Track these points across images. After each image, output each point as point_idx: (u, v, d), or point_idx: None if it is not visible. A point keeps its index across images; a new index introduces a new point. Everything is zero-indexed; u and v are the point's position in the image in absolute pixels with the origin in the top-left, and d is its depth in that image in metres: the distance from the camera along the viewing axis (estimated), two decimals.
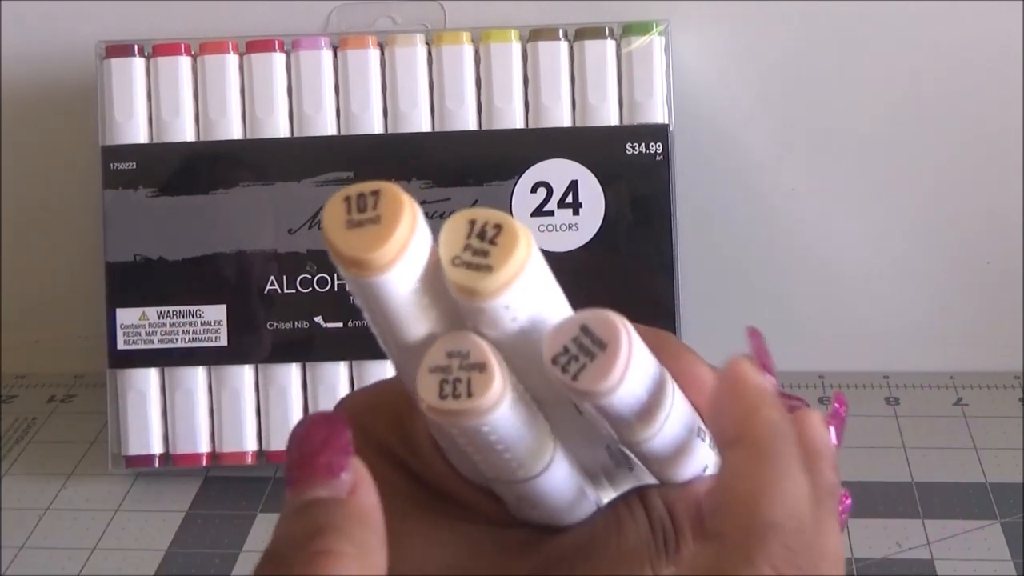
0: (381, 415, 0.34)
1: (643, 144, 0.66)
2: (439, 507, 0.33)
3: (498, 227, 0.28)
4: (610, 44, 0.66)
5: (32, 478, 0.68)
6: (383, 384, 0.35)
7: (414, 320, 0.29)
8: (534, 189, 0.66)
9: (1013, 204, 0.71)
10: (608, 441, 0.33)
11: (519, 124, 0.67)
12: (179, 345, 0.66)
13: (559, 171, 0.66)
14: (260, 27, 0.70)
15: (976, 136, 0.71)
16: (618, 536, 0.32)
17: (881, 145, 0.71)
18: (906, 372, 0.73)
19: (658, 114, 0.66)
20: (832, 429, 0.38)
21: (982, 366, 0.73)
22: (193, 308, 0.66)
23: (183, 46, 0.67)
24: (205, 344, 0.66)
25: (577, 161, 0.66)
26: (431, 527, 0.33)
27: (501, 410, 0.29)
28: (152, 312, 0.67)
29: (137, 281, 0.67)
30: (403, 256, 0.28)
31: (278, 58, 0.67)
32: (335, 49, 0.67)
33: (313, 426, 0.29)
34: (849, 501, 0.40)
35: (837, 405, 0.40)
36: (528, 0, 0.70)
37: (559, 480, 0.32)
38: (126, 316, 0.67)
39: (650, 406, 0.30)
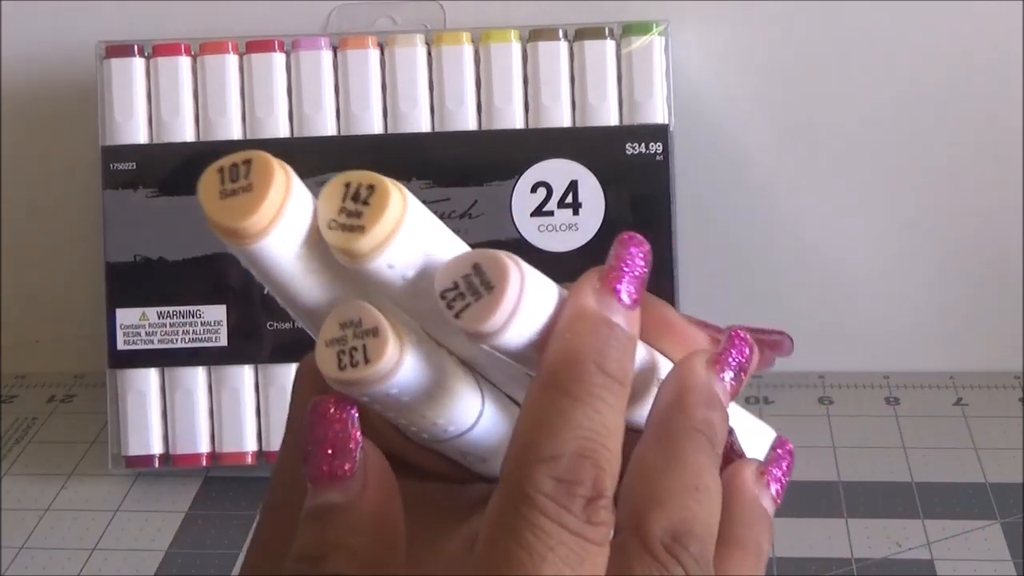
0: None
1: (643, 144, 0.66)
2: (396, 471, 0.33)
3: (371, 187, 0.28)
4: (610, 44, 0.66)
5: (32, 478, 0.68)
6: None
7: (306, 285, 0.29)
8: (534, 189, 0.66)
9: (1013, 204, 0.71)
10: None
11: (519, 124, 0.67)
12: (179, 345, 0.66)
13: (559, 171, 0.66)
14: (260, 27, 0.70)
15: (976, 136, 0.71)
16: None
17: (881, 145, 0.71)
18: (906, 372, 0.73)
19: (658, 114, 0.66)
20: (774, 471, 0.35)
21: (982, 366, 0.73)
22: (193, 308, 0.66)
23: (183, 46, 0.67)
24: (205, 344, 0.66)
25: (577, 161, 0.66)
26: None
27: (402, 372, 0.29)
28: (152, 312, 0.67)
29: (137, 281, 0.67)
30: (278, 222, 0.28)
31: (278, 58, 0.67)
32: (335, 49, 0.67)
33: (315, 422, 0.29)
34: (789, 452, 0.37)
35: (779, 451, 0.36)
36: (528, 0, 0.70)
37: (497, 431, 0.32)
38: (126, 316, 0.67)
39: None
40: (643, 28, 0.66)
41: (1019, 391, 0.71)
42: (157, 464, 0.67)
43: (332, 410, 0.29)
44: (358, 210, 0.28)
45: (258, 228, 0.28)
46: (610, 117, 0.66)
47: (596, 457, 0.28)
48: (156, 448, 0.67)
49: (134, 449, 0.67)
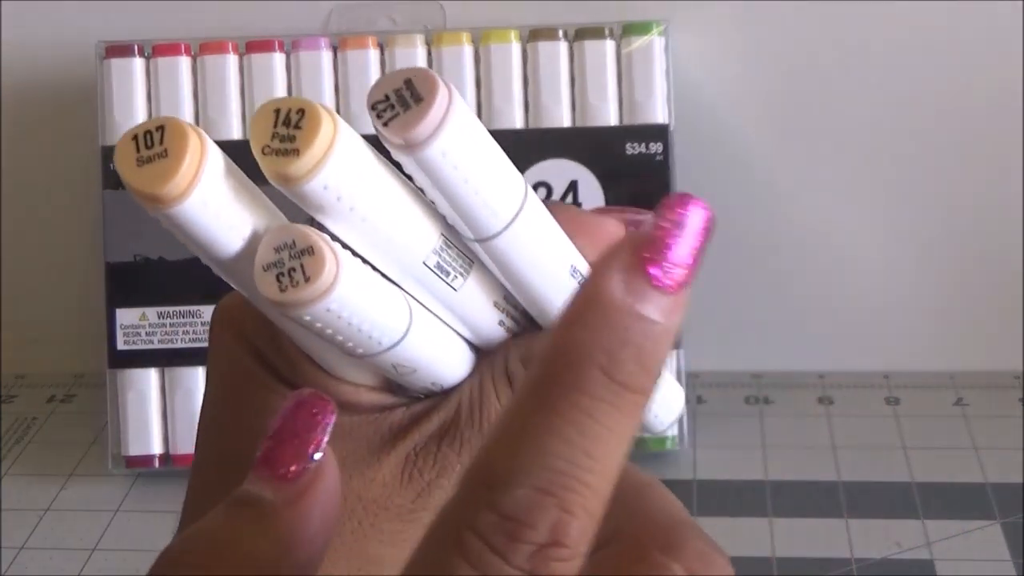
0: (255, 321, 0.35)
1: (643, 144, 0.66)
2: None
3: (301, 111, 0.29)
4: (610, 44, 0.66)
5: (32, 478, 0.68)
6: None
7: (225, 239, 0.30)
8: (534, 189, 0.66)
9: (1014, 204, 0.71)
10: (495, 299, 0.33)
11: (519, 124, 0.67)
12: (179, 345, 0.66)
13: (559, 171, 0.66)
14: (260, 27, 0.70)
15: (976, 136, 0.71)
16: (480, 413, 0.34)
17: (881, 145, 0.71)
18: (906, 372, 0.73)
19: (658, 114, 0.66)
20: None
21: (982, 366, 0.73)
22: (193, 308, 0.66)
23: (183, 46, 0.67)
24: (205, 344, 0.66)
25: (577, 161, 0.66)
26: None
27: (341, 287, 0.29)
28: (152, 312, 0.67)
29: (137, 281, 0.67)
30: (196, 185, 0.29)
31: (278, 58, 0.67)
32: (335, 49, 0.67)
33: (294, 416, 0.27)
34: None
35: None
36: (528, 0, 0.70)
37: (426, 339, 0.33)
38: (126, 316, 0.67)
39: (487, 188, 0.30)
40: (643, 28, 0.66)
41: (1019, 391, 0.71)
42: (157, 464, 0.67)
43: (315, 412, 0.28)
44: (291, 134, 0.28)
45: (176, 193, 0.28)
46: (610, 117, 0.66)
47: (564, 496, 0.21)
48: (156, 448, 0.67)
49: (134, 449, 0.67)
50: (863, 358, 0.74)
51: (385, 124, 0.29)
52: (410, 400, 0.35)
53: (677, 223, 0.22)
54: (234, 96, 0.67)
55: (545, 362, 0.22)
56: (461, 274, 0.32)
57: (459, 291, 0.32)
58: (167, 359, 0.67)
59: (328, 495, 0.26)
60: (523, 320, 0.35)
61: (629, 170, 0.66)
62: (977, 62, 0.69)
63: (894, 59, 0.70)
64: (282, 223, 0.30)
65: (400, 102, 0.29)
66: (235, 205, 0.30)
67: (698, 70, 0.70)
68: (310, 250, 0.29)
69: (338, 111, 0.67)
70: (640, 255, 0.22)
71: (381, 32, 0.69)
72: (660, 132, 0.66)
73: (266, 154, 0.29)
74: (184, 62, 0.67)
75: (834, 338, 0.74)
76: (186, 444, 0.67)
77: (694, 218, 0.23)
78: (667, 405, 0.39)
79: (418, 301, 0.32)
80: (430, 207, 0.31)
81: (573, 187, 0.66)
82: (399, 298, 0.32)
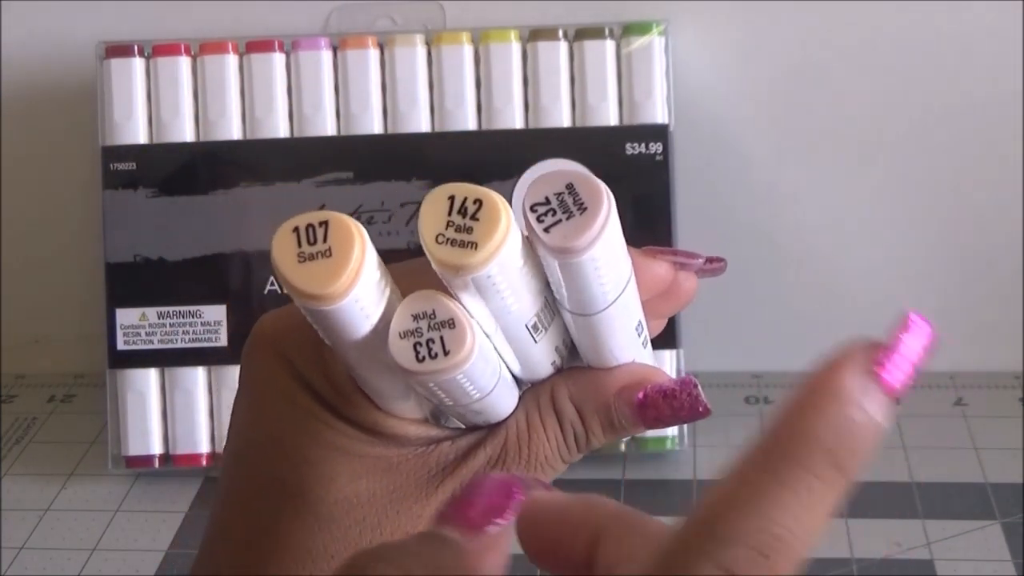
0: (302, 346, 0.35)
1: (643, 144, 0.66)
2: (362, 437, 0.34)
3: (478, 202, 0.28)
4: (610, 44, 0.66)
5: (32, 478, 0.68)
6: (299, 310, 0.34)
7: (360, 328, 0.30)
8: None
9: (1013, 204, 0.71)
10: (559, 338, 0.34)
11: (519, 124, 0.67)
12: (179, 345, 0.66)
13: None
14: (260, 27, 0.70)
15: (976, 136, 0.71)
16: (529, 448, 0.34)
17: (881, 144, 0.71)
18: None
19: (658, 114, 0.66)
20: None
21: (982, 366, 0.73)
22: (193, 308, 0.66)
23: (183, 46, 0.67)
24: (205, 344, 0.66)
25: (577, 161, 0.66)
26: (354, 456, 0.34)
27: (474, 360, 0.30)
28: (152, 312, 0.67)
29: (137, 281, 0.67)
30: (355, 286, 0.29)
31: (278, 58, 0.67)
32: (335, 49, 0.67)
33: (496, 493, 0.27)
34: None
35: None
36: (528, 0, 0.70)
37: (504, 392, 0.33)
38: (126, 316, 0.67)
39: (611, 279, 0.31)
40: (643, 28, 0.66)
41: (1019, 391, 0.71)
42: (157, 464, 0.67)
43: (516, 493, 0.27)
44: (468, 225, 0.28)
45: (337, 294, 0.28)
46: (610, 117, 0.66)
47: (777, 559, 0.24)
48: (156, 448, 0.67)
49: (134, 449, 0.67)
50: None
51: (546, 230, 0.29)
52: (455, 433, 0.35)
53: (908, 336, 0.27)
54: (234, 96, 0.67)
55: (777, 437, 0.24)
56: (545, 329, 0.33)
57: (538, 343, 0.33)
58: (167, 359, 0.66)
59: (504, 557, 0.27)
60: (567, 355, 0.35)
61: (629, 170, 0.66)
62: (977, 62, 0.69)
63: (894, 59, 0.70)
64: (421, 291, 0.30)
65: (562, 208, 0.29)
66: (378, 297, 0.30)
67: (698, 70, 0.70)
68: (451, 323, 0.29)
69: (337, 111, 0.67)
70: (875, 360, 0.26)
71: (381, 32, 0.68)
72: (660, 132, 0.66)
73: (440, 243, 0.28)
74: (184, 62, 0.67)
75: (834, 338, 0.74)
76: (186, 444, 0.67)
77: (921, 335, 0.27)
78: None
79: (498, 351, 0.33)
80: (544, 277, 0.31)
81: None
82: (497, 357, 0.32)
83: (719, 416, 0.70)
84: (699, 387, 0.35)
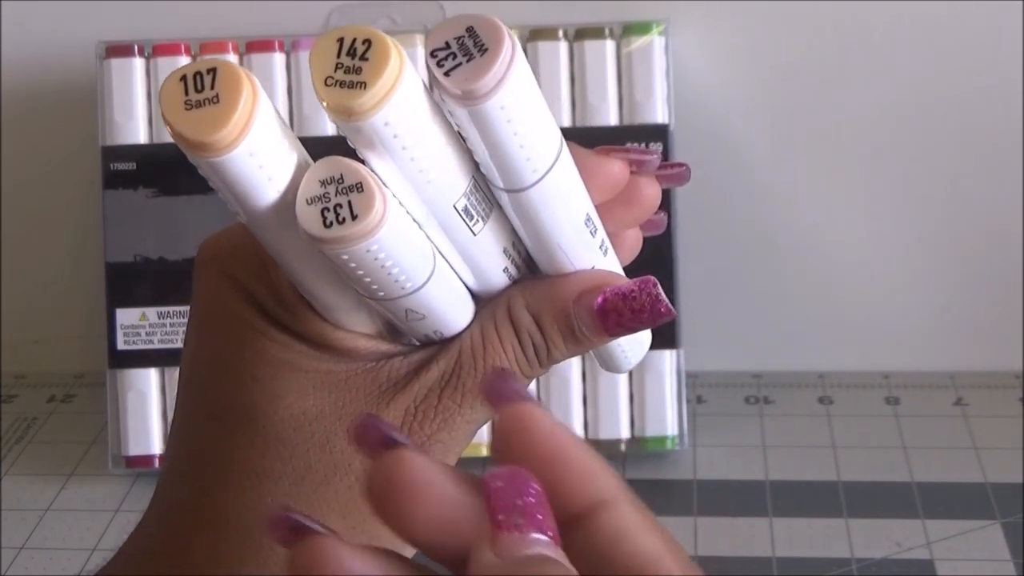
0: (247, 263, 0.34)
1: (643, 144, 0.66)
2: (309, 352, 0.33)
3: (368, 42, 0.27)
4: (610, 44, 0.66)
5: (32, 478, 0.68)
6: (243, 228, 0.33)
7: (262, 189, 0.29)
8: None
9: (1013, 204, 0.71)
10: (507, 244, 0.33)
11: None
12: (179, 345, 0.66)
13: None
14: (260, 27, 0.70)
15: (976, 136, 0.71)
16: (484, 361, 0.33)
17: (881, 144, 0.71)
18: (906, 372, 0.73)
19: (658, 114, 0.66)
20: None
21: (982, 366, 0.73)
22: None
23: (183, 46, 0.67)
24: None
25: None
26: (301, 371, 0.33)
27: (386, 227, 0.28)
28: (152, 312, 0.67)
29: (137, 281, 0.67)
30: (246, 135, 0.27)
31: (278, 58, 0.67)
32: None
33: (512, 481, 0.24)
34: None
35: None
36: (528, 0, 0.70)
37: (443, 288, 0.32)
38: (126, 316, 0.67)
39: (531, 143, 0.29)
40: (643, 28, 0.66)
41: (1019, 391, 0.71)
42: (157, 464, 0.67)
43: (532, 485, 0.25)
44: (356, 65, 0.27)
45: (225, 143, 0.27)
46: (610, 117, 0.66)
47: None
48: (156, 448, 0.67)
49: (134, 449, 0.67)
50: (863, 358, 0.74)
51: (446, 74, 0.27)
52: (408, 349, 0.34)
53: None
54: None
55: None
56: (482, 219, 0.31)
57: (477, 236, 0.32)
58: (167, 359, 0.67)
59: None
60: (524, 267, 0.34)
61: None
62: (977, 62, 0.69)
63: (894, 59, 0.70)
64: (329, 157, 0.29)
65: (463, 51, 0.28)
66: (278, 155, 0.29)
67: (698, 70, 0.70)
68: (359, 186, 0.28)
69: None
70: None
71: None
72: (660, 132, 0.66)
73: (328, 85, 0.27)
74: (184, 62, 0.67)
75: (834, 338, 0.74)
76: None
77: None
78: (638, 343, 0.38)
79: (434, 244, 0.31)
80: (466, 149, 0.30)
81: None
82: (426, 242, 0.31)
83: (719, 416, 0.71)
84: (659, 286, 0.33)
